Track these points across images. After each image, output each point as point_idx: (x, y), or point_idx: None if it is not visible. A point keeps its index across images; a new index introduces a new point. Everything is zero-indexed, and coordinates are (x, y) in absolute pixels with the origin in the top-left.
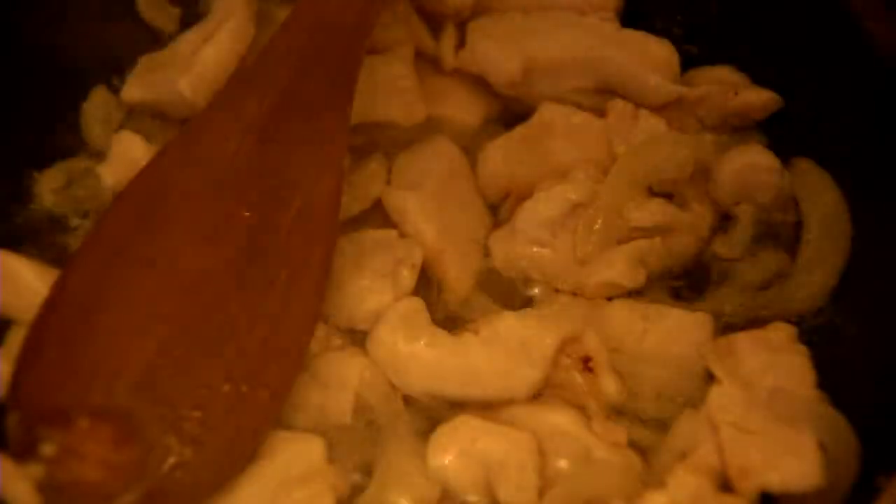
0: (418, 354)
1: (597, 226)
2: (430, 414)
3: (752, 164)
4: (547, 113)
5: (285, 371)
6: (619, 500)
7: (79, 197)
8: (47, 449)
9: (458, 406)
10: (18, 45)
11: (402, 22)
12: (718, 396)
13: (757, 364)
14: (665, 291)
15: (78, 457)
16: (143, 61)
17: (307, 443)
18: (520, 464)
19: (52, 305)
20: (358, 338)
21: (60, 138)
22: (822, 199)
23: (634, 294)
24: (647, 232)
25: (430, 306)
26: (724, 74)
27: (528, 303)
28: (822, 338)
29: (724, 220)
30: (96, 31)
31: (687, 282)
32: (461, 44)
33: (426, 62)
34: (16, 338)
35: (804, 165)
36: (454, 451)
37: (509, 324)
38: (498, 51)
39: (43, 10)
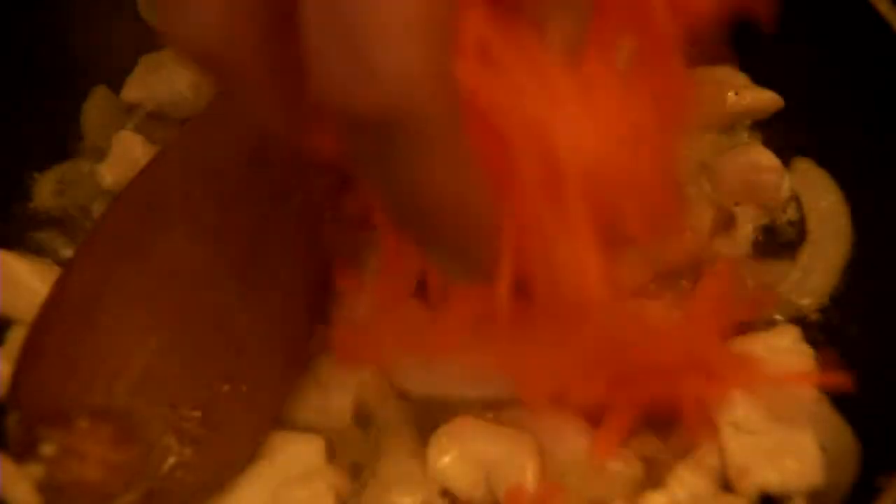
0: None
1: None
2: (430, 414)
3: (752, 164)
4: None
5: (285, 371)
6: (620, 500)
7: (79, 197)
8: (47, 449)
9: (458, 406)
10: (19, 45)
11: None
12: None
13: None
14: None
15: (78, 457)
16: (144, 61)
17: (307, 443)
18: (520, 464)
19: (52, 305)
20: None
21: (60, 138)
22: (822, 199)
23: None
24: None
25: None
26: (724, 74)
27: None
28: (822, 338)
29: (725, 220)
30: (96, 31)
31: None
32: None
33: None
34: (16, 338)
35: (804, 165)
36: (454, 452)
37: None
38: None
39: (43, 10)
